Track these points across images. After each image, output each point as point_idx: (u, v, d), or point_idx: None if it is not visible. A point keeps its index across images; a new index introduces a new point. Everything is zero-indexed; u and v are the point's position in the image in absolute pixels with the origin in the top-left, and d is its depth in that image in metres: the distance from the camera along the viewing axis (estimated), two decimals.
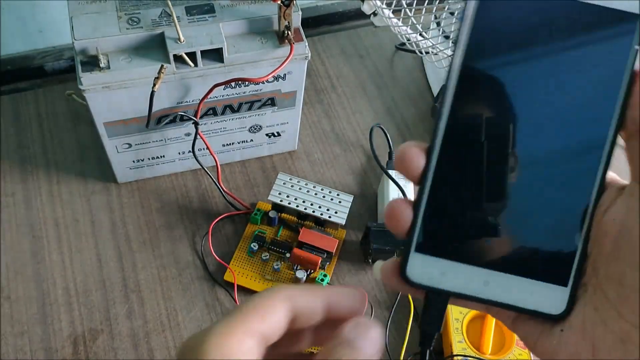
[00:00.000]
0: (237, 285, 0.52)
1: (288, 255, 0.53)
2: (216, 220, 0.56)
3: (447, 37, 0.57)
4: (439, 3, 0.53)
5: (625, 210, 0.23)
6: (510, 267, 0.24)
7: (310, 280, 0.52)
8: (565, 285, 0.24)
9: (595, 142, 0.24)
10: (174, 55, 0.46)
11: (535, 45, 0.24)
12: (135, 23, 0.46)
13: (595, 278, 0.24)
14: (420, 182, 0.24)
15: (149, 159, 0.56)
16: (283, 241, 0.54)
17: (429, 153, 0.24)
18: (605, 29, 0.24)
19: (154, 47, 0.46)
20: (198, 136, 0.52)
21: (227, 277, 0.52)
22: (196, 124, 0.51)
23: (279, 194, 0.54)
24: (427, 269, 0.24)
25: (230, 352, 0.21)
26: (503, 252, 0.24)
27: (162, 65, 0.45)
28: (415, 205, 0.24)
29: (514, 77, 0.24)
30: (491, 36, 0.23)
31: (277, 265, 0.53)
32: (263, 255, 0.53)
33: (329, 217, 0.53)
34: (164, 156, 0.56)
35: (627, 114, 0.24)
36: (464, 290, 0.24)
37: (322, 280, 0.51)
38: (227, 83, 0.48)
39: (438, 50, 0.55)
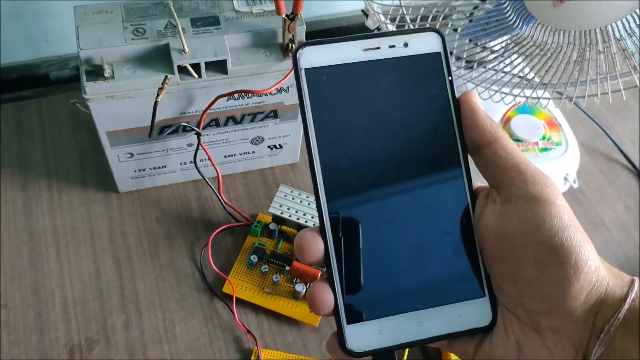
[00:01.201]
0: (236, 297, 0.52)
1: (287, 268, 0.53)
2: (216, 231, 0.55)
3: (449, 53, 0.58)
4: (442, 20, 0.54)
5: (493, 214, 0.26)
6: (434, 300, 0.27)
7: None
8: (484, 295, 0.27)
9: (453, 165, 0.27)
10: (178, 66, 0.46)
11: (376, 102, 0.26)
12: (140, 34, 0.46)
13: (495, 281, 0.27)
14: (326, 262, 0.26)
15: (150, 168, 0.56)
16: (283, 254, 0.54)
17: (322, 233, 0.26)
18: (420, 72, 0.27)
19: (159, 57, 0.47)
20: (200, 147, 0.52)
21: (226, 289, 0.52)
22: (198, 134, 0.51)
23: (280, 206, 0.54)
24: (364, 335, 0.26)
25: None
26: (421, 290, 0.27)
27: (166, 76, 0.45)
28: (331, 284, 0.26)
29: (369, 136, 0.26)
30: (329, 102, 0.26)
31: (276, 278, 0.52)
32: (262, 267, 0.53)
33: None
34: (165, 166, 0.56)
35: (464, 135, 0.27)
36: (404, 339, 0.26)
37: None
38: (230, 94, 0.48)
39: None
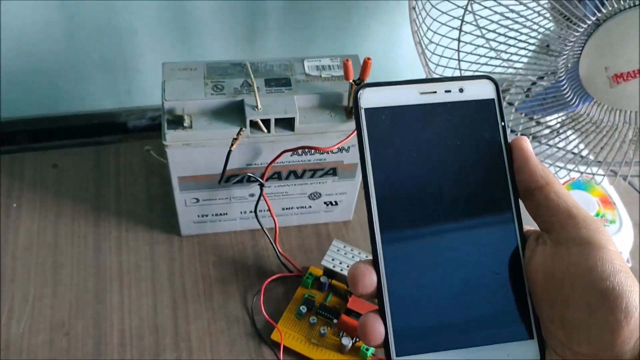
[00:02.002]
0: (283, 345, 0.53)
1: (335, 321, 0.54)
2: (269, 279, 0.58)
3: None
4: None
5: (544, 257, 0.27)
6: (482, 339, 0.27)
7: (355, 348, 0.53)
8: (532, 337, 0.27)
9: (504, 207, 0.28)
10: (250, 121, 0.50)
11: (430, 144, 0.28)
12: (219, 90, 0.51)
13: (543, 324, 0.27)
14: (378, 294, 0.27)
15: (212, 215, 0.59)
16: (331, 307, 0.55)
17: (375, 266, 0.27)
18: (475, 117, 0.28)
19: (233, 112, 0.51)
20: (262, 197, 0.55)
21: (274, 336, 0.54)
22: (262, 185, 0.54)
23: (332, 260, 0.56)
24: None
25: None
26: (470, 328, 0.27)
27: (241, 128, 0.49)
28: (382, 315, 0.26)
29: (422, 176, 0.27)
30: (386, 141, 0.27)
31: (323, 330, 0.54)
32: (311, 318, 0.54)
33: None
34: (226, 213, 0.60)
35: (516, 179, 0.28)
36: None
37: (367, 349, 0.52)
38: (295, 150, 0.52)
39: None
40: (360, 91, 0.28)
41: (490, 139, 0.28)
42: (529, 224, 0.29)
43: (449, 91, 0.28)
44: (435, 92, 0.28)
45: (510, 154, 0.28)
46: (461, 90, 0.28)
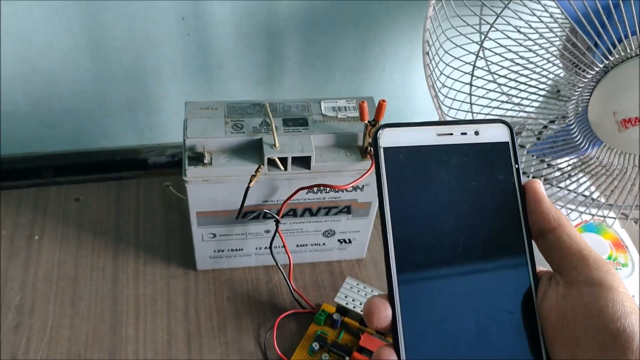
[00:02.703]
0: None
1: (347, 358, 0.54)
2: (282, 315, 0.58)
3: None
4: None
5: (556, 297, 0.27)
6: None
7: None
8: None
9: (517, 248, 0.29)
10: (268, 159, 0.51)
11: (445, 184, 0.29)
12: (239, 129, 0.53)
13: None
14: (392, 328, 0.27)
15: (228, 250, 0.60)
16: (344, 344, 0.56)
17: (391, 301, 0.27)
18: (489, 158, 0.29)
19: (252, 150, 0.52)
20: (277, 234, 0.57)
21: None
22: (277, 222, 0.56)
23: (345, 297, 0.57)
24: None
25: None
26: None
27: (259, 165, 0.50)
28: (397, 350, 0.27)
29: (438, 216, 0.28)
30: (403, 179, 0.28)
31: None
32: (323, 355, 0.55)
33: None
34: (242, 249, 0.61)
35: (529, 220, 0.29)
36: None
37: None
38: (311, 187, 0.53)
39: None
40: (380, 131, 0.29)
41: (504, 180, 0.29)
42: (542, 265, 0.30)
43: (465, 133, 0.29)
44: (452, 134, 0.29)
45: (523, 196, 0.29)
46: (477, 133, 0.29)
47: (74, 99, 0.68)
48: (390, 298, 0.27)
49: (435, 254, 0.28)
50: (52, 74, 0.65)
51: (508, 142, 0.29)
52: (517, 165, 0.29)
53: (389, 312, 0.27)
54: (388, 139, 0.29)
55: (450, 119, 0.56)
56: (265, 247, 0.60)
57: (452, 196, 0.29)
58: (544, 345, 0.28)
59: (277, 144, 0.51)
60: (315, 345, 0.55)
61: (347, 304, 0.56)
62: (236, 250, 0.61)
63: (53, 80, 0.65)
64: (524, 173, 0.59)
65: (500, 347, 0.28)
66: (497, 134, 0.29)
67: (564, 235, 0.28)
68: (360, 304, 0.56)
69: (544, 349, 0.28)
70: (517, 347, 0.28)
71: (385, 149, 0.29)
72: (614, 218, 0.55)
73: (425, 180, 0.29)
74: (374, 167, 0.52)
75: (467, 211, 0.29)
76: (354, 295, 0.57)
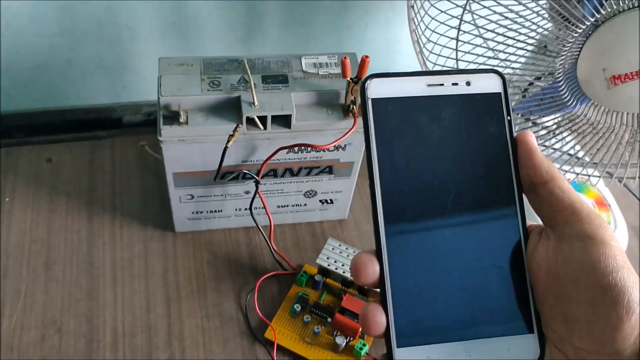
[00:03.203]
0: (277, 344, 0.53)
1: (329, 320, 0.54)
2: (263, 277, 0.57)
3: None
4: None
5: (546, 251, 0.27)
6: (482, 332, 0.27)
7: (349, 347, 0.52)
8: (532, 331, 0.27)
9: (508, 201, 0.28)
10: (247, 118, 0.49)
11: (435, 136, 0.28)
12: (215, 86, 0.50)
13: (544, 319, 0.27)
14: (380, 284, 0.27)
15: (207, 211, 0.59)
16: (326, 306, 0.55)
17: (378, 256, 0.27)
18: (480, 110, 0.28)
19: (230, 108, 0.50)
20: (257, 195, 0.55)
21: (268, 334, 0.53)
22: (257, 182, 0.54)
23: (327, 258, 0.56)
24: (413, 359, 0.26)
25: None
26: (471, 321, 0.27)
27: (237, 125, 0.48)
28: (384, 306, 0.26)
29: (427, 169, 0.28)
30: (392, 131, 0.27)
31: (317, 329, 0.53)
32: (305, 317, 0.54)
33: None
34: (221, 210, 0.59)
35: (521, 173, 0.28)
36: None
37: (361, 349, 0.52)
38: (291, 147, 0.51)
39: None
40: (368, 81, 0.28)
41: (495, 132, 0.28)
42: (533, 219, 0.29)
43: (456, 84, 0.28)
44: (443, 84, 0.28)
45: (515, 149, 0.28)
46: (468, 84, 0.28)
47: (43, 56, 0.65)
48: (378, 254, 0.27)
49: (423, 208, 0.27)
50: (18, 28, 0.61)
51: (500, 93, 0.28)
52: (509, 117, 0.28)
53: (377, 267, 0.26)
54: (376, 89, 0.27)
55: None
56: (245, 209, 0.58)
57: (441, 149, 0.28)
58: (533, 300, 0.27)
59: (256, 102, 0.49)
60: (297, 307, 0.55)
61: (329, 265, 0.55)
62: (215, 211, 0.59)
63: (19, 35, 0.62)
64: None
65: (488, 302, 0.27)
66: (489, 84, 0.28)
67: (555, 189, 0.27)
68: (343, 265, 0.56)
69: (532, 304, 0.27)
70: (505, 302, 0.27)
71: (373, 100, 0.27)
72: (598, 177, 0.54)
73: (415, 132, 0.28)
74: (356, 125, 0.51)
75: (456, 164, 0.28)
76: (335, 256, 0.56)
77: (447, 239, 0.27)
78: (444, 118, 0.28)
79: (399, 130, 0.27)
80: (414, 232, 0.27)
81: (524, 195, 0.28)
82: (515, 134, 0.28)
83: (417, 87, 0.28)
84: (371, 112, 0.27)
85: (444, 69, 0.52)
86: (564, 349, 0.26)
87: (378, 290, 0.27)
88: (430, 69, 0.53)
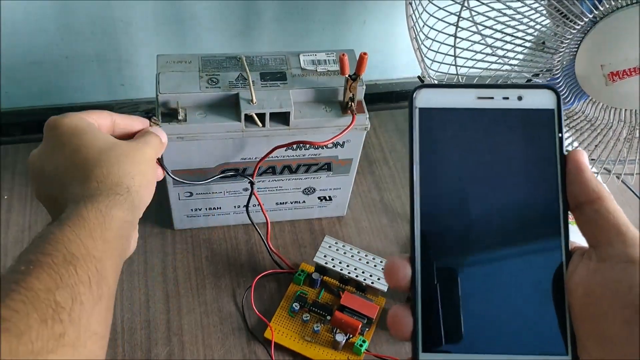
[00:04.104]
0: (276, 343, 0.53)
1: (329, 318, 0.54)
2: (260, 275, 0.57)
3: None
4: None
5: (586, 272, 0.26)
6: (513, 348, 0.26)
7: (349, 344, 0.53)
8: (566, 354, 0.26)
9: (552, 219, 0.27)
10: (245, 115, 0.49)
11: (481, 149, 0.27)
12: (214, 83, 0.50)
13: (579, 339, 0.26)
14: (411, 288, 0.26)
15: (206, 209, 0.59)
16: (324, 304, 0.55)
17: (412, 262, 0.26)
18: (531, 126, 0.28)
19: (228, 106, 0.50)
20: (252, 194, 0.55)
21: (267, 334, 0.53)
22: (252, 183, 0.54)
23: (324, 256, 0.56)
24: None
25: (79, 119, 0.39)
26: (502, 335, 0.26)
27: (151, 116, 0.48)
28: (413, 310, 0.26)
29: (470, 182, 0.27)
30: (437, 142, 0.27)
31: (317, 327, 0.53)
32: (304, 316, 0.54)
33: (372, 282, 0.54)
34: (220, 208, 0.59)
35: (568, 191, 0.27)
36: None
37: (361, 345, 0.52)
38: (288, 145, 0.51)
39: None
40: (417, 90, 0.27)
41: (545, 149, 0.27)
42: (579, 241, 0.29)
43: (507, 98, 0.28)
44: (493, 97, 0.28)
45: (564, 167, 0.27)
46: (520, 98, 0.28)
47: (39, 52, 0.64)
48: (412, 258, 0.27)
49: (463, 219, 0.27)
50: (13, 25, 0.61)
51: (554, 110, 0.27)
52: (560, 135, 0.27)
53: (409, 272, 0.26)
54: (425, 99, 0.27)
55: (434, 72, 0.55)
56: (244, 206, 0.58)
57: (487, 163, 0.27)
58: (570, 321, 0.27)
59: (255, 100, 0.49)
60: (296, 306, 0.55)
61: (326, 263, 0.56)
62: (214, 209, 0.59)
63: (15, 32, 0.62)
64: None
65: (523, 319, 0.27)
66: (542, 100, 0.28)
67: (602, 209, 0.27)
68: (340, 262, 0.56)
69: (569, 325, 0.27)
70: (541, 321, 0.27)
71: (421, 109, 0.27)
72: (597, 173, 0.54)
73: (460, 145, 0.27)
74: (354, 122, 0.51)
75: (502, 180, 0.27)
76: (333, 254, 0.56)
77: (487, 254, 0.27)
78: (492, 132, 0.27)
79: (444, 143, 0.27)
80: (451, 244, 0.27)
81: (569, 215, 0.28)
82: (565, 152, 0.28)
83: (466, 99, 0.27)
84: (417, 121, 0.27)
85: (440, 70, 0.52)
86: None
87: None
88: (428, 65, 0.53)
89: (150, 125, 0.44)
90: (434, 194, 0.27)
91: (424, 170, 0.27)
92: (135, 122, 0.43)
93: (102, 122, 0.40)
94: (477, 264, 0.27)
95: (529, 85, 0.28)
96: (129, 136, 0.42)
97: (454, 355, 0.26)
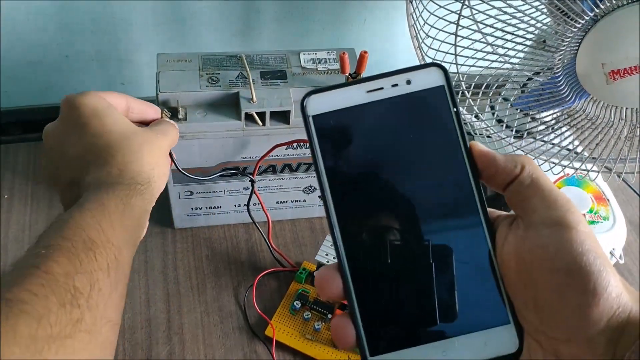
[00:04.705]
0: (277, 341, 0.53)
1: (329, 316, 0.54)
2: (262, 274, 0.57)
3: (499, 121, 0.60)
4: (495, 88, 0.56)
5: (515, 241, 0.26)
6: (457, 329, 0.26)
7: None
8: (508, 322, 0.26)
9: (465, 193, 0.27)
10: (245, 114, 0.49)
11: (383, 142, 0.27)
12: (214, 82, 0.50)
13: (517, 308, 0.26)
14: (346, 296, 0.26)
15: (206, 208, 0.59)
16: (325, 302, 0.55)
17: (341, 270, 0.26)
18: (425, 107, 0.27)
19: (228, 105, 0.50)
20: (253, 193, 0.55)
21: (268, 332, 0.53)
22: (253, 182, 0.54)
23: (326, 254, 0.56)
24: None
25: (99, 98, 0.38)
26: (443, 320, 0.26)
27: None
28: (352, 317, 0.26)
29: (380, 177, 0.27)
30: (338, 145, 0.27)
31: (318, 325, 0.53)
32: (305, 314, 0.54)
33: None
34: (220, 207, 0.59)
35: (492, 180, 0.27)
36: None
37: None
38: (288, 144, 0.51)
39: (491, 132, 0.57)
40: (306, 99, 0.27)
41: (443, 126, 0.27)
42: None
43: (396, 85, 0.27)
44: (382, 88, 0.27)
45: (465, 141, 0.27)
46: (408, 82, 0.27)
47: (39, 51, 0.64)
48: (340, 267, 0.26)
49: (381, 217, 0.27)
50: (14, 24, 0.61)
51: (443, 85, 0.27)
52: (455, 109, 0.27)
53: (339, 282, 0.26)
54: (316, 105, 0.27)
55: None
56: (244, 205, 0.58)
57: (392, 154, 0.27)
58: (505, 290, 0.27)
59: (255, 98, 0.49)
60: (297, 304, 0.55)
61: (328, 261, 0.55)
62: (214, 207, 0.59)
63: (15, 31, 0.62)
64: (508, 127, 0.58)
65: (458, 300, 0.26)
66: (430, 79, 0.27)
67: (525, 178, 0.26)
68: None
69: (505, 294, 0.26)
70: (476, 297, 0.27)
71: (314, 117, 0.27)
72: (597, 172, 0.54)
73: (362, 141, 0.27)
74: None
75: (410, 166, 0.27)
76: (334, 252, 0.56)
77: (409, 242, 0.27)
78: (389, 121, 0.27)
79: (344, 142, 0.27)
80: (374, 241, 0.27)
81: (481, 183, 0.28)
82: (463, 124, 0.28)
83: (357, 96, 0.27)
84: (314, 129, 0.27)
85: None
86: (539, 339, 0.26)
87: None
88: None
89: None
90: (346, 197, 0.27)
91: (332, 176, 0.27)
92: (149, 110, 0.43)
93: (117, 104, 0.40)
94: (404, 257, 0.27)
95: (413, 67, 0.27)
96: (142, 123, 0.42)
97: (402, 351, 0.26)
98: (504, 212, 0.28)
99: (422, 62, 0.54)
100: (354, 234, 0.26)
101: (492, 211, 0.28)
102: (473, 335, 0.26)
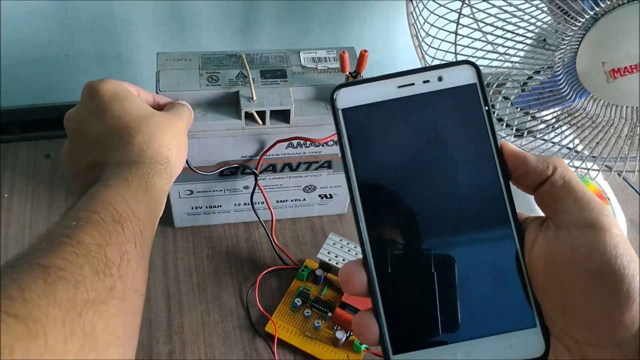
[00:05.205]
0: (277, 338, 0.53)
1: (330, 314, 0.54)
2: (265, 271, 0.57)
3: (500, 120, 0.60)
4: (495, 87, 0.56)
5: (545, 242, 0.26)
6: (482, 331, 0.26)
7: (349, 342, 0.53)
8: (534, 325, 0.26)
9: (495, 193, 0.27)
10: (246, 113, 0.49)
11: (413, 139, 0.27)
12: (214, 81, 0.50)
13: (544, 311, 0.26)
14: (370, 293, 0.26)
15: (206, 207, 0.59)
16: (326, 300, 0.55)
17: (366, 266, 0.26)
18: (456, 104, 0.27)
19: (228, 104, 0.50)
20: (257, 188, 0.55)
21: (269, 328, 0.53)
22: (256, 176, 0.54)
23: (328, 253, 0.56)
24: None
25: (117, 84, 0.40)
26: (468, 321, 0.26)
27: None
28: (376, 314, 0.26)
29: (409, 174, 0.27)
30: (367, 140, 0.27)
31: (318, 323, 0.53)
32: (305, 311, 0.54)
33: None
34: (220, 206, 0.59)
35: (522, 181, 0.27)
36: None
37: (361, 343, 0.52)
38: (289, 140, 0.51)
39: None
40: (336, 92, 0.27)
41: (474, 124, 0.27)
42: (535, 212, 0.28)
43: (427, 81, 0.27)
44: (413, 83, 0.27)
45: (496, 139, 0.27)
46: (440, 79, 0.27)
47: (39, 50, 0.64)
48: (365, 263, 0.26)
49: (408, 213, 0.27)
50: (14, 23, 0.61)
51: (475, 84, 0.27)
52: (487, 107, 0.27)
53: (364, 277, 0.26)
54: (346, 99, 0.27)
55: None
56: (245, 204, 0.58)
57: (421, 151, 0.27)
58: (532, 292, 0.26)
59: (255, 97, 0.49)
60: (298, 302, 0.55)
61: (329, 260, 0.56)
62: (215, 206, 0.59)
63: (15, 30, 0.62)
64: (508, 125, 0.58)
65: (486, 299, 0.26)
66: (462, 76, 0.27)
67: (558, 180, 0.26)
68: (344, 259, 0.56)
69: (532, 296, 0.26)
70: (503, 299, 0.26)
71: (344, 110, 0.27)
72: (598, 170, 0.54)
73: (391, 136, 0.27)
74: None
75: (439, 165, 0.27)
76: (337, 251, 0.56)
77: (436, 242, 0.26)
78: (419, 118, 0.27)
79: (374, 138, 0.27)
80: (400, 238, 0.26)
81: (511, 184, 0.27)
82: (494, 124, 0.27)
83: (388, 91, 0.27)
84: (343, 123, 0.27)
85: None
86: (566, 343, 0.25)
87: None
88: (429, 63, 0.53)
89: None
90: (375, 193, 0.26)
91: (361, 172, 0.26)
92: (159, 99, 0.45)
93: (131, 91, 0.42)
94: (431, 256, 0.26)
95: (446, 64, 0.27)
96: (156, 107, 0.44)
97: (425, 351, 0.26)
98: (533, 214, 0.28)
99: (422, 61, 0.54)
100: (381, 230, 0.26)
101: (520, 213, 0.27)
102: (498, 337, 0.26)
